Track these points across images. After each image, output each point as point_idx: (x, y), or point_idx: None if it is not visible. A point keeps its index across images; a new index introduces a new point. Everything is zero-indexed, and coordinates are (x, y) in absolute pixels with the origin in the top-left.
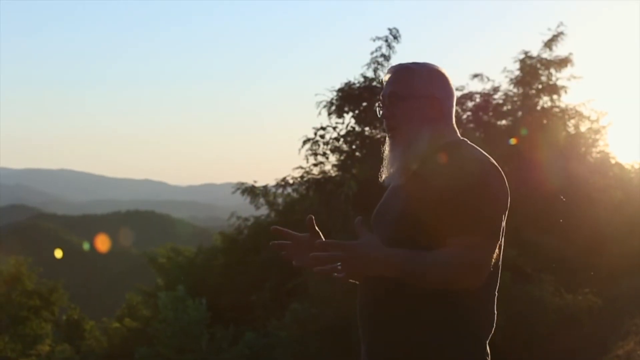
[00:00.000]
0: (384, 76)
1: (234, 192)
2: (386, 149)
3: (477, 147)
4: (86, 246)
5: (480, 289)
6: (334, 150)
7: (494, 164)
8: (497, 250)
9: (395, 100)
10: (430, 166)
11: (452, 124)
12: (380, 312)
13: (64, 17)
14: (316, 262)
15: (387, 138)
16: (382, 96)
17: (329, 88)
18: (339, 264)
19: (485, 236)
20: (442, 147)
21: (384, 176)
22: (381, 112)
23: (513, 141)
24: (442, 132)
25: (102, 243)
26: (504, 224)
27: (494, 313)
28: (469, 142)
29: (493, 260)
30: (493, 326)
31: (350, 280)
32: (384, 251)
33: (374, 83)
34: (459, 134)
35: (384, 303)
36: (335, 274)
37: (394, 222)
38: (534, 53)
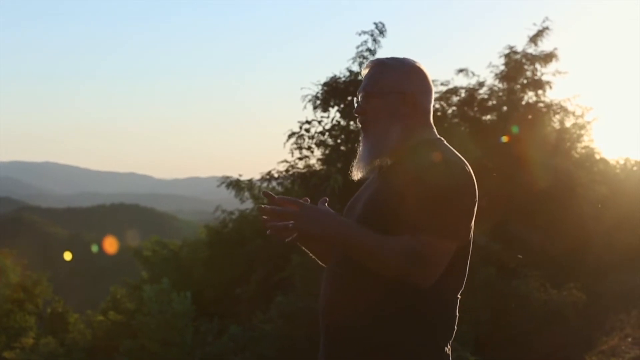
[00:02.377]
0: (362, 71)
1: (219, 186)
2: (360, 144)
3: (450, 147)
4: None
5: (440, 292)
6: (319, 144)
7: (463, 166)
8: (456, 252)
9: (367, 97)
10: (398, 164)
11: (428, 121)
12: (338, 311)
13: (51, 11)
14: (272, 216)
15: (361, 134)
16: (357, 92)
17: (314, 82)
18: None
19: (440, 236)
20: (413, 146)
21: (354, 172)
22: (355, 107)
23: (505, 139)
24: (415, 130)
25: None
26: (472, 225)
27: (455, 317)
28: (443, 141)
29: (445, 261)
30: (454, 330)
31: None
32: (336, 216)
33: (360, 77)
34: (435, 131)
35: (343, 302)
36: (288, 239)
37: (359, 217)
38: (519, 48)
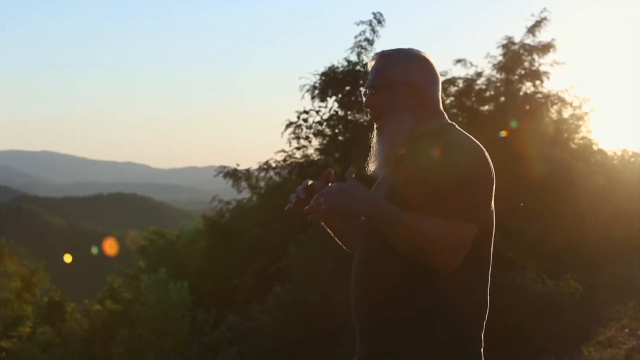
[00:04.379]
0: (368, 63)
1: (215, 176)
2: (373, 138)
3: (463, 132)
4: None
5: (473, 280)
6: (316, 134)
7: (478, 149)
8: (484, 238)
9: (375, 90)
10: (414, 153)
11: (438, 109)
12: (373, 301)
13: (50, 0)
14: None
15: (374, 128)
16: (365, 85)
17: (312, 72)
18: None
19: (462, 220)
20: (426, 134)
21: (370, 166)
22: (364, 101)
23: (503, 134)
24: (426, 119)
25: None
26: (492, 209)
27: (487, 301)
28: (456, 126)
29: (468, 245)
30: (486, 313)
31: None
32: (370, 192)
33: (358, 67)
34: (446, 117)
35: (376, 297)
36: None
37: None
38: (517, 39)
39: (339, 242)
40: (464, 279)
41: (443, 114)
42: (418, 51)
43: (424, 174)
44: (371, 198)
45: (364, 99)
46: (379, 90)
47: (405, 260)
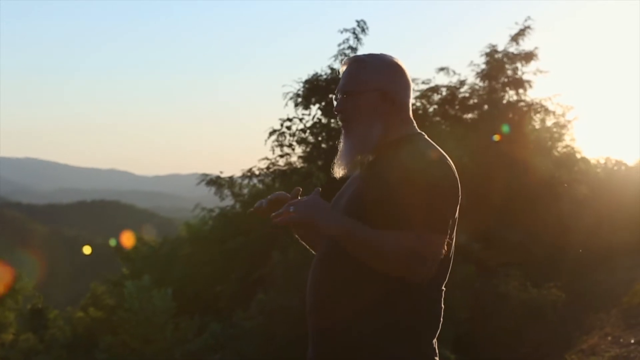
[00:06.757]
0: (340, 68)
1: (198, 184)
2: (341, 142)
3: (431, 142)
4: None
5: (426, 287)
6: (300, 141)
7: (445, 160)
8: (445, 247)
9: (346, 95)
10: (379, 161)
11: (408, 116)
12: (324, 311)
13: (34, 6)
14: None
15: (342, 132)
16: (336, 90)
17: (296, 79)
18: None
19: (434, 231)
20: (393, 142)
21: (335, 170)
22: (334, 106)
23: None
24: (395, 126)
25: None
26: (456, 218)
27: (441, 309)
28: (424, 136)
29: (440, 256)
30: (440, 323)
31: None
32: (335, 212)
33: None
34: (415, 126)
35: (328, 301)
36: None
37: (343, 214)
38: (501, 47)
39: (308, 248)
40: (420, 285)
41: (412, 122)
42: (390, 57)
43: (394, 184)
44: (337, 216)
45: (334, 103)
46: (349, 95)
47: (364, 272)
